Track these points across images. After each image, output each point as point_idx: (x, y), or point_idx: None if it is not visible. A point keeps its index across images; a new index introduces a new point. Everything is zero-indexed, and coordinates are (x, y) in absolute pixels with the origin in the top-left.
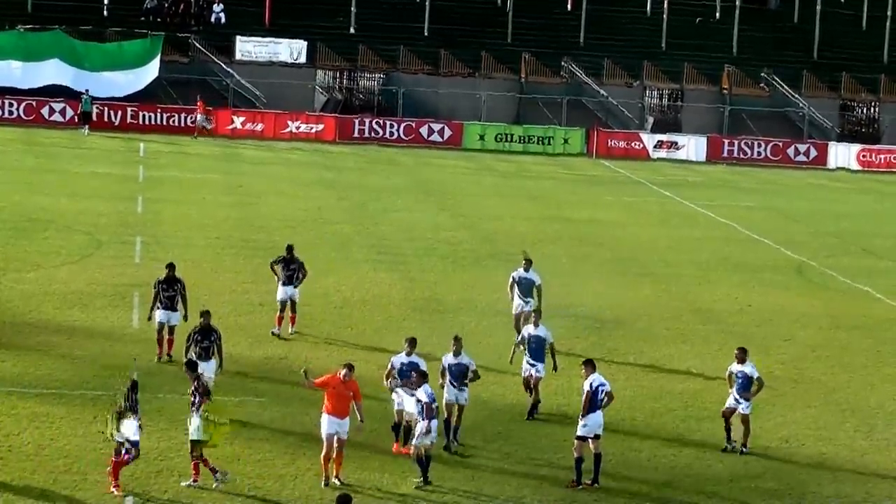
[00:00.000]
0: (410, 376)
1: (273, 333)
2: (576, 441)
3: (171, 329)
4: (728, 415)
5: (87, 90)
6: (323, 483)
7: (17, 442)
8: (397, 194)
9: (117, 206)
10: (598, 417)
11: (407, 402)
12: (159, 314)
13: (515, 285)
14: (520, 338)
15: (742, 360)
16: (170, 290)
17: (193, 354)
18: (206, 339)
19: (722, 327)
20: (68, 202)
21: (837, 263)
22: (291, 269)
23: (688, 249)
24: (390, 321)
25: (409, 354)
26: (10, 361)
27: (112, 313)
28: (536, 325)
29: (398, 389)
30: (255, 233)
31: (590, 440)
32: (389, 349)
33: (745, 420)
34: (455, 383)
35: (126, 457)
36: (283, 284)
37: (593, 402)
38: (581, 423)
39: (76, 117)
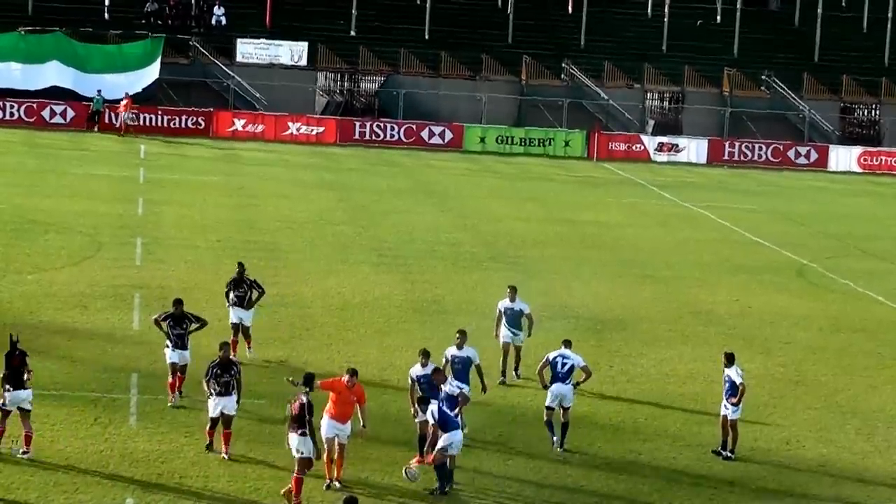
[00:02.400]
0: (433, 390)
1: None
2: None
3: (184, 368)
4: (724, 421)
5: (99, 91)
6: (325, 485)
7: (17, 444)
8: (398, 196)
9: (118, 208)
10: (560, 388)
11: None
12: (169, 353)
13: (502, 316)
14: (443, 360)
15: (727, 365)
16: (178, 328)
17: (213, 391)
18: (227, 372)
19: (723, 329)
20: (69, 204)
21: (838, 266)
22: (242, 290)
23: (688, 251)
24: (391, 323)
25: (424, 366)
26: None
27: (112, 315)
28: (460, 346)
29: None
30: (256, 234)
31: (561, 410)
32: (390, 351)
33: (732, 425)
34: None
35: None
36: (234, 306)
37: (555, 374)
38: (548, 394)
39: (88, 116)
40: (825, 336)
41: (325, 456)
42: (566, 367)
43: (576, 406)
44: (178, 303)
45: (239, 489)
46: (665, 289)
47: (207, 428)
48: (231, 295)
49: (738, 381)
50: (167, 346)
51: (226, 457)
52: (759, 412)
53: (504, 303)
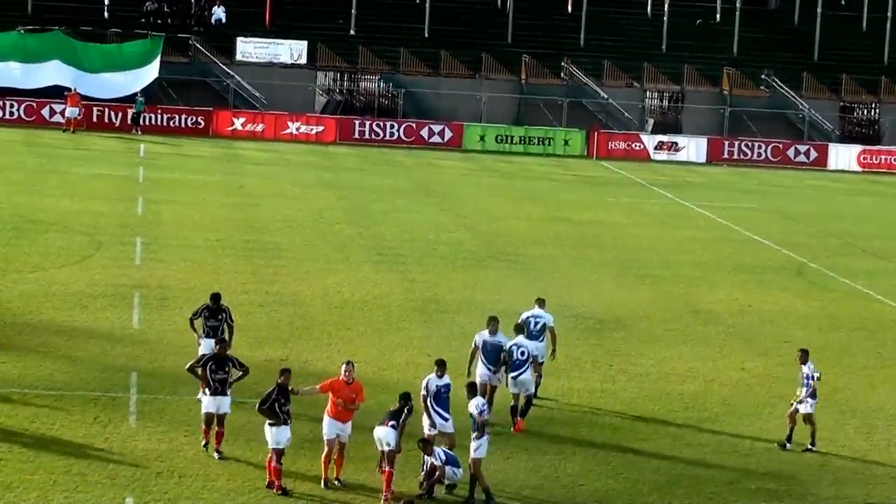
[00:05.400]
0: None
1: (199, 399)
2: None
3: (221, 419)
4: (792, 415)
5: (139, 92)
6: (323, 484)
7: (17, 443)
8: (398, 195)
9: (118, 207)
10: (535, 345)
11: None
12: (206, 400)
13: (479, 351)
14: (424, 387)
15: (803, 362)
16: (220, 373)
17: (276, 420)
18: (288, 401)
19: (722, 328)
20: (69, 203)
21: (838, 264)
22: (218, 319)
23: (688, 250)
24: (390, 322)
25: (440, 376)
26: (10, 362)
27: (112, 314)
28: (441, 375)
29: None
30: (256, 234)
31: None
32: (390, 349)
33: (808, 418)
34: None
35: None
36: (206, 337)
37: (529, 332)
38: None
39: (131, 118)
40: (825, 335)
41: (323, 455)
42: (538, 326)
43: (576, 405)
44: (222, 342)
45: (239, 487)
46: (664, 288)
47: (272, 462)
48: (204, 326)
49: (814, 375)
50: (203, 393)
51: (280, 491)
52: (759, 411)
53: (483, 335)
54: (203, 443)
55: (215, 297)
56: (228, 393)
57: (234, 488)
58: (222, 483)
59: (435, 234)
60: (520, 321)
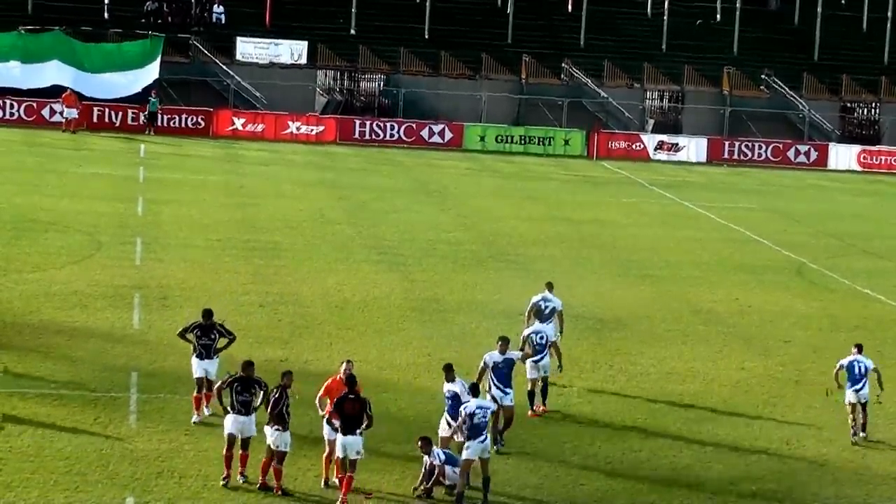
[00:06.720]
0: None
1: (194, 422)
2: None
3: (246, 442)
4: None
5: (154, 91)
6: (323, 483)
7: (17, 443)
8: (398, 195)
9: (118, 207)
10: (544, 327)
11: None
12: (231, 422)
13: (489, 371)
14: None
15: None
16: (245, 394)
17: (285, 423)
18: (289, 402)
19: (722, 328)
20: (69, 203)
21: (838, 264)
22: (211, 338)
23: (688, 250)
24: (391, 322)
25: (502, 352)
26: (10, 362)
27: (112, 314)
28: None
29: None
30: (256, 234)
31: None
32: (390, 349)
33: (853, 407)
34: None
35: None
36: (198, 357)
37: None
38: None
39: (146, 118)
40: (825, 335)
41: (325, 455)
42: (548, 309)
43: (576, 405)
44: (250, 365)
45: (239, 487)
46: (665, 288)
47: (272, 464)
48: (196, 344)
49: (870, 366)
50: (226, 412)
51: (280, 491)
52: (759, 411)
53: (493, 356)
54: (223, 476)
55: (207, 314)
56: (251, 414)
57: (235, 488)
58: (222, 483)
59: (435, 234)
60: (530, 305)
